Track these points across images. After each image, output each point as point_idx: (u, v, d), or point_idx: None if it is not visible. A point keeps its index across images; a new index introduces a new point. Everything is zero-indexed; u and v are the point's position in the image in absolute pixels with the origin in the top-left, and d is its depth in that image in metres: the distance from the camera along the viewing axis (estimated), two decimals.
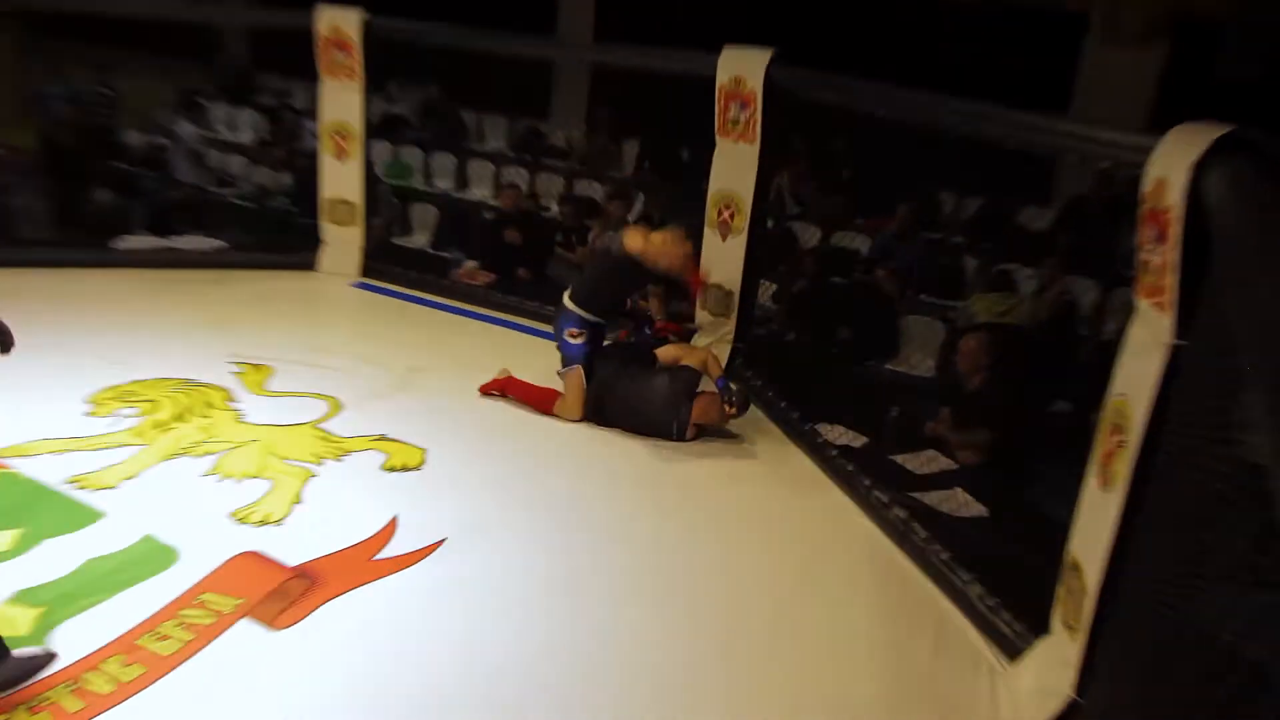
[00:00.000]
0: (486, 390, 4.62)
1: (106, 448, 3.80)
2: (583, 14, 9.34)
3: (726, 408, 4.32)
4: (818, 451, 4.31)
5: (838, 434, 4.37)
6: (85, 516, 3.35)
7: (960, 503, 3.80)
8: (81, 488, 3.51)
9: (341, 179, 6.15)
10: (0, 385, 4.17)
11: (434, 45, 6.00)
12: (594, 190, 8.47)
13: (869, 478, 3.96)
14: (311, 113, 9.43)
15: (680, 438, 4.29)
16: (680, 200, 7.98)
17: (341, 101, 6.03)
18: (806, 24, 7.47)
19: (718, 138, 5.04)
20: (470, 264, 6.40)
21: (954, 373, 4.54)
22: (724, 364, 5.09)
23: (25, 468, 3.59)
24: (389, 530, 3.47)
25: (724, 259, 5.08)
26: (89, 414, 4.05)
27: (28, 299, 5.22)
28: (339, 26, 5.85)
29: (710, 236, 5.13)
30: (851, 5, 7.72)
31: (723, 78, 4.89)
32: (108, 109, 9.30)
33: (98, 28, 8.80)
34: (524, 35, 6.36)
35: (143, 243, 6.23)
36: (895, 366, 5.91)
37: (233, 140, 9.88)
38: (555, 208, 7.74)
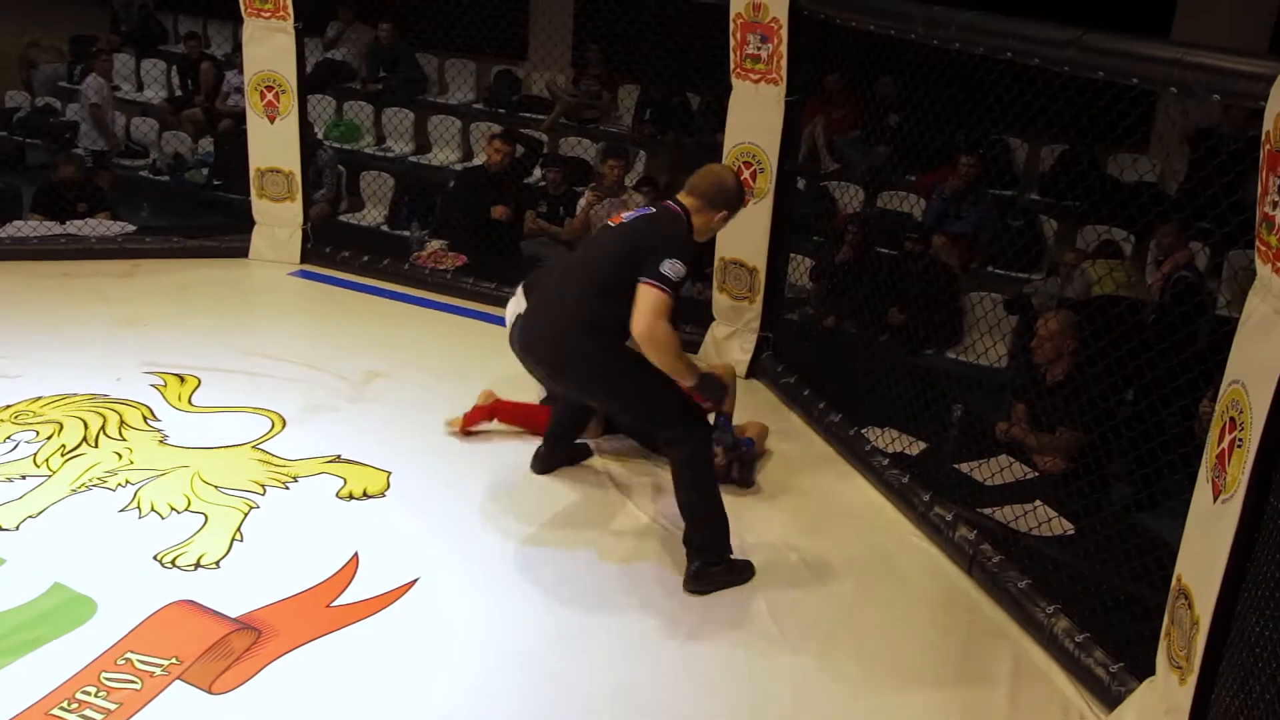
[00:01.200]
0: (470, 426, 4.45)
1: (3, 480, 3.87)
2: None
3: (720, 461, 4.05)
4: (865, 461, 4.38)
5: (889, 439, 4.43)
6: None
7: (1041, 519, 3.86)
8: None
9: (274, 144, 6.22)
10: None
11: None
12: (584, 149, 8.56)
13: (928, 491, 4.02)
14: (234, 62, 9.56)
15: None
16: (690, 157, 8.07)
17: (269, 46, 6.11)
18: None
19: (734, 79, 5.11)
20: (435, 244, 6.47)
21: (1031, 361, 4.60)
22: (750, 352, 5.17)
23: None
24: (349, 571, 3.53)
25: (745, 229, 5.14)
26: None
27: None
28: None
29: None
30: None
31: (738, 5, 4.96)
32: None
33: None
34: None
35: (33, 229, 6.30)
36: (958, 355, 5.98)
37: (139, 100, 9.96)
38: (537, 171, 7.83)
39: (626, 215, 3.73)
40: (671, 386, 3.54)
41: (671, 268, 3.36)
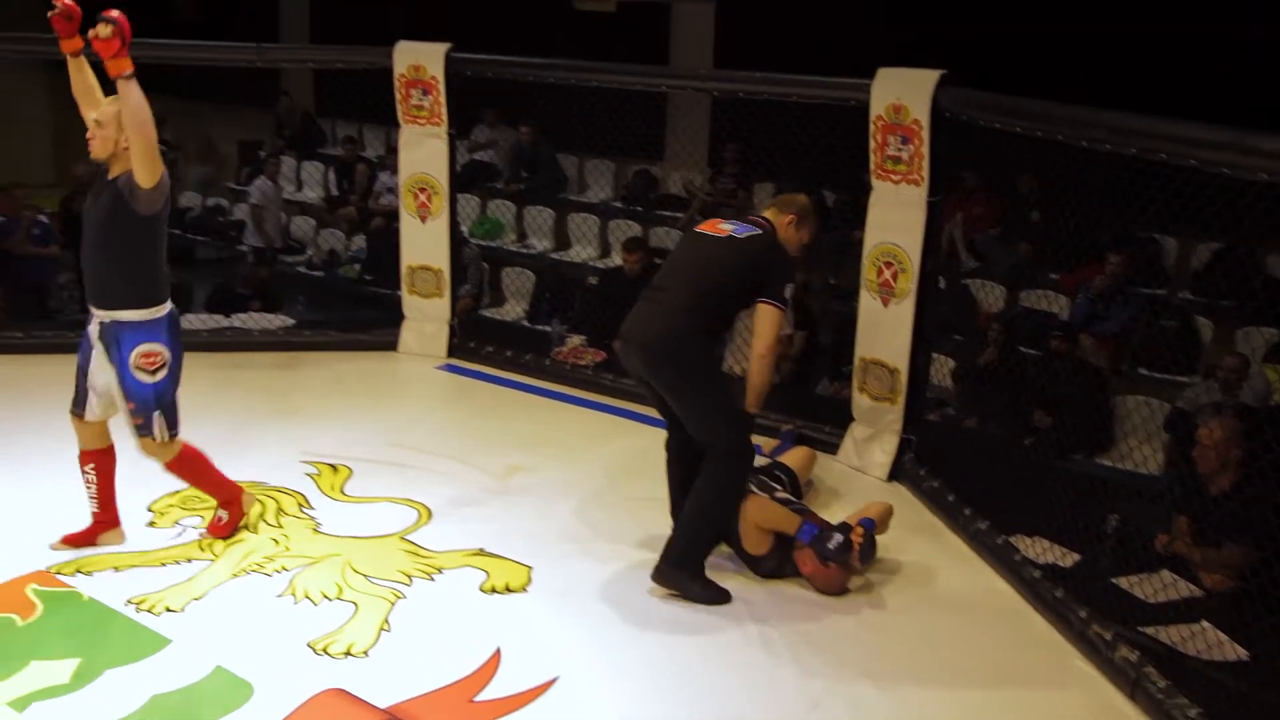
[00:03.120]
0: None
1: (170, 563, 4.08)
2: (700, 39, 9.70)
3: (815, 561, 4.08)
4: (1015, 571, 4.23)
5: (1040, 549, 4.28)
6: (150, 643, 3.59)
7: (1210, 642, 3.66)
8: (145, 610, 3.77)
9: (425, 242, 6.51)
10: (54, 491, 4.56)
11: (526, 81, 6.36)
12: None
13: (1085, 607, 3.86)
14: (386, 163, 10.08)
15: (754, 569, 4.24)
16: (824, 255, 8.09)
17: (424, 151, 6.43)
18: (972, 40, 7.56)
19: (874, 180, 5.14)
20: (575, 340, 6.62)
21: (1192, 470, 4.41)
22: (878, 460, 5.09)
23: (85, 586, 3.89)
24: (491, 666, 3.58)
25: (886, 329, 5.12)
26: (150, 524, 4.37)
27: (66, 387, 5.68)
28: (421, 64, 6.27)
29: (868, 302, 5.19)
30: (1029, 15, 7.77)
31: (879, 106, 5.01)
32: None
33: (146, 74, 9.67)
34: (634, 65, 6.66)
35: (203, 322, 6.70)
36: (1110, 461, 5.77)
37: (298, 199, 10.58)
38: None
39: (732, 228, 4.10)
40: (732, 401, 3.98)
41: (788, 290, 3.97)
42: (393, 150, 10.20)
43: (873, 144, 5.08)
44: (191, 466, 4.18)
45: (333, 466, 4.95)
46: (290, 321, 6.93)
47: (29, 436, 5.10)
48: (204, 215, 10.41)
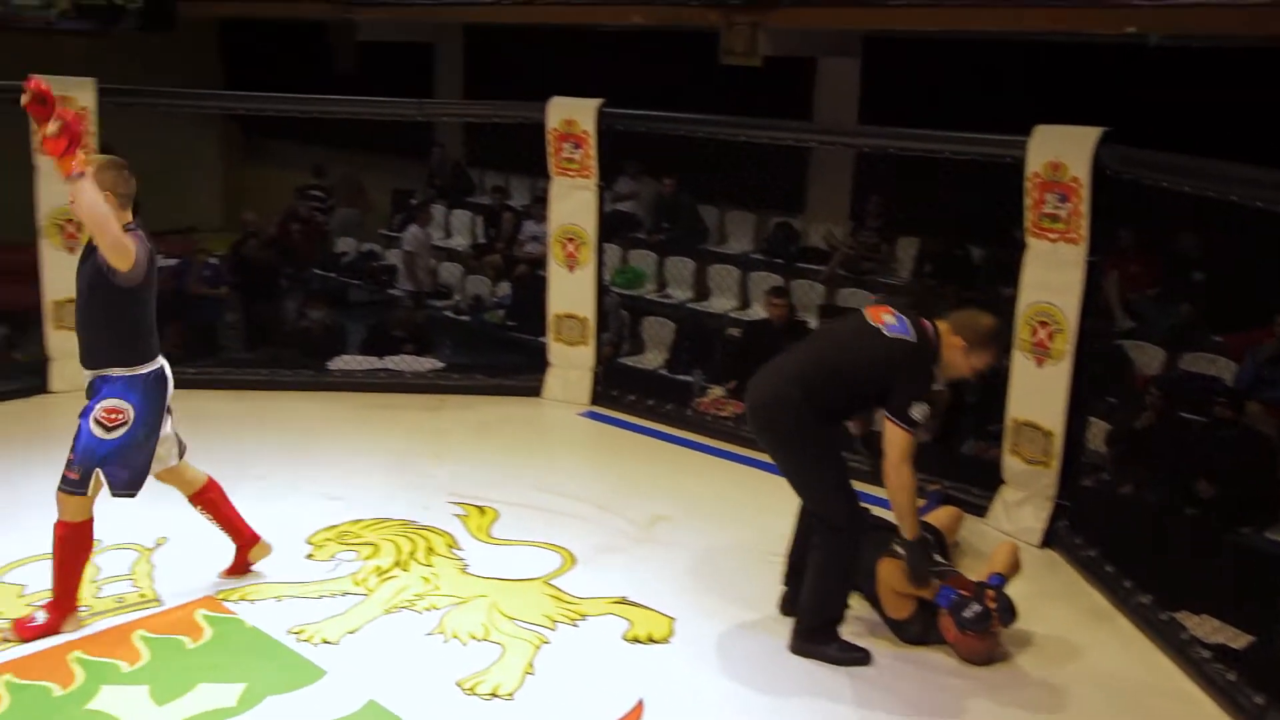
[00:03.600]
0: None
1: (327, 596, 4.22)
2: (845, 93, 9.71)
3: (956, 629, 3.95)
4: (1181, 651, 4.03)
5: (1209, 628, 4.07)
6: (307, 673, 3.73)
7: None
8: (303, 640, 3.91)
9: (572, 291, 6.64)
10: None
11: (673, 134, 6.47)
12: (859, 301, 8.60)
13: (1261, 693, 3.64)
14: (531, 212, 10.35)
15: (899, 634, 4.13)
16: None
17: (573, 202, 6.58)
18: (1118, 98, 7.37)
19: (1029, 238, 5.03)
20: (716, 391, 6.64)
21: None
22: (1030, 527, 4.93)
23: (248, 614, 4.06)
24: (634, 716, 3.59)
25: (1041, 390, 4.98)
26: (308, 556, 4.54)
27: (238, 423, 5.99)
28: (573, 119, 6.44)
29: (1022, 362, 5.06)
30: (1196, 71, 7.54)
31: (1036, 163, 4.92)
32: (322, 213, 10.61)
33: (309, 125, 10.21)
34: (783, 121, 6.71)
35: (359, 363, 6.97)
36: None
37: (446, 246, 10.94)
38: (814, 321, 7.94)
39: (890, 321, 3.84)
40: (836, 473, 3.86)
41: (921, 411, 3.71)
42: (538, 200, 10.51)
43: (1028, 201, 4.99)
44: (75, 546, 3.87)
45: (480, 508, 5.06)
46: (440, 365, 7.15)
47: (203, 465, 5.37)
48: (357, 260, 10.85)
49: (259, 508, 4.90)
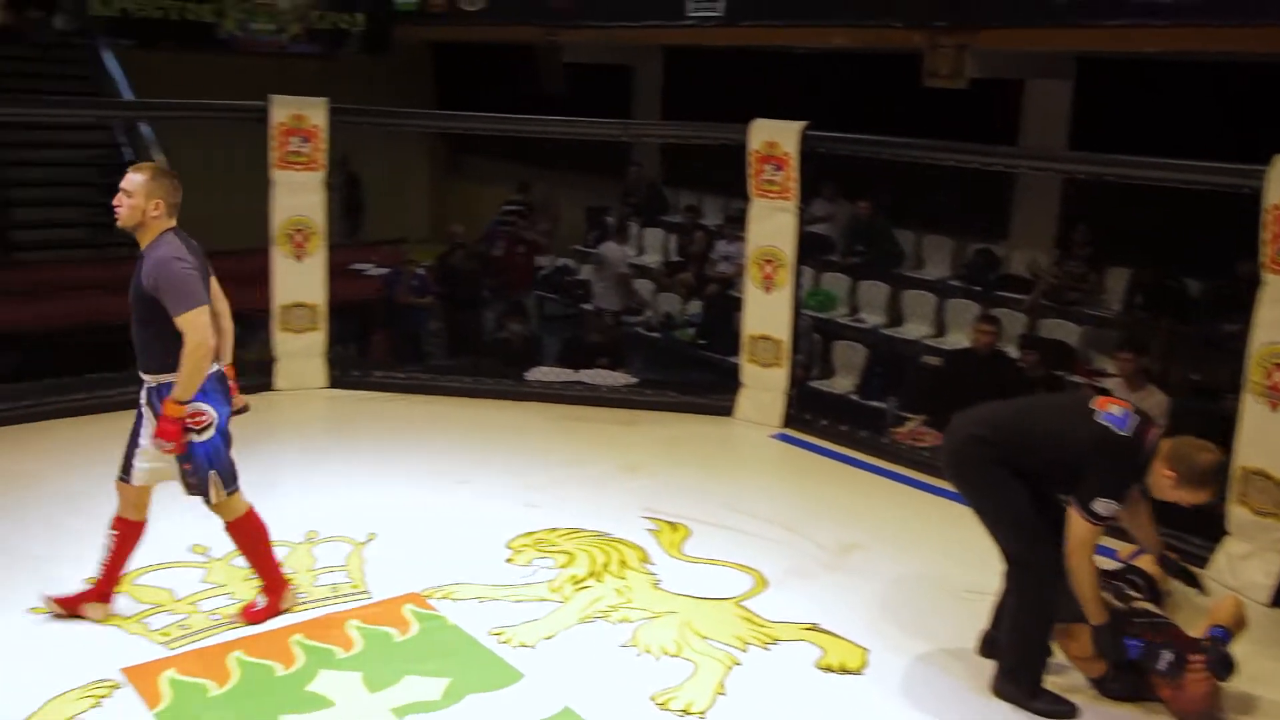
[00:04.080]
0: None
1: (525, 601, 4.35)
2: (1054, 116, 9.36)
3: (1162, 684, 3.73)
4: None
5: None
6: (506, 675, 3.84)
7: None
8: (502, 642, 4.04)
9: (768, 313, 6.63)
10: (426, 520, 5.01)
11: (876, 158, 6.38)
12: (1065, 332, 8.25)
13: None
14: (723, 232, 10.41)
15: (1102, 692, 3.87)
16: (1187, 348, 7.50)
17: (772, 224, 6.58)
18: None
19: (1267, 274, 4.72)
20: (914, 420, 6.49)
21: None
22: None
23: (450, 612, 4.23)
24: None
25: (1273, 439, 4.66)
26: (508, 560, 4.69)
27: (443, 429, 6.25)
28: (775, 141, 6.45)
29: (1254, 406, 4.74)
30: None
31: (1278, 194, 4.62)
32: (525, 228, 10.98)
33: (510, 143, 10.59)
34: (992, 146, 6.52)
35: (556, 375, 7.16)
36: None
37: (639, 263, 11.12)
38: (1015, 352, 7.66)
39: (1112, 412, 3.62)
40: (1023, 511, 3.69)
41: (1106, 508, 3.53)
42: (731, 219, 10.59)
43: (1266, 235, 4.69)
44: (251, 536, 4.07)
45: (672, 525, 5.10)
46: (633, 380, 7.26)
47: (409, 467, 5.65)
48: (553, 274, 11.17)
49: (463, 511, 5.14)
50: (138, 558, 4.40)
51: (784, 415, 6.58)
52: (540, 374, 7.22)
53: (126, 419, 6.08)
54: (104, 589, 4.06)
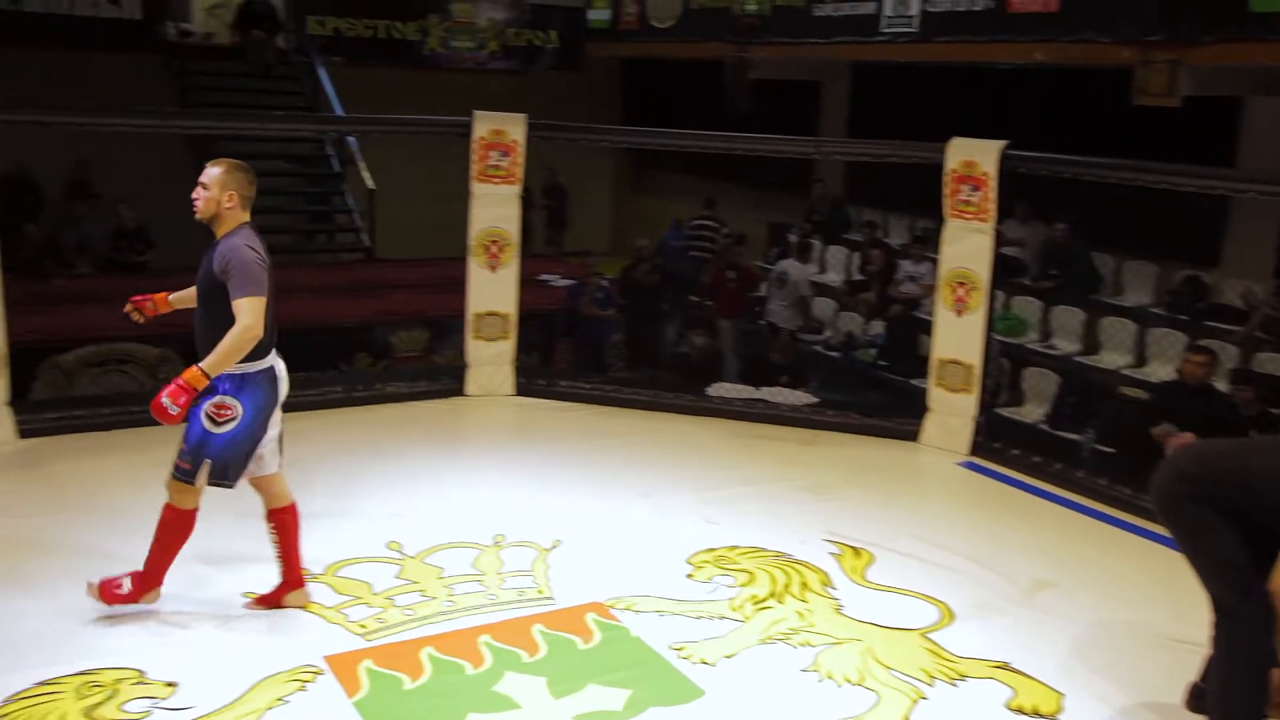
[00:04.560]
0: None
1: (705, 617, 4.34)
2: (1275, 139, 8.74)
3: None
4: None
5: None
6: (687, 691, 3.85)
7: None
8: (683, 657, 4.05)
9: (958, 337, 6.44)
10: (608, 530, 5.08)
11: (1077, 180, 6.11)
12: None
13: None
14: (908, 251, 10.18)
15: None
16: None
17: (967, 245, 6.38)
18: None
19: None
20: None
21: None
22: None
23: (632, 624, 4.27)
24: None
25: None
26: (688, 576, 4.70)
27: (625, 441, 6.32)
28: (974, 161, 6.26)
29: None
30: None
31: None
32: (710, 243, 11.01)
33: (693, 158, 10.65)
34: (1214, 169, 6.15)
35: (737, 391, 7.15)
36: None
37: (819, 281, 11.00)
38: (1227, 387, 7.19)
39: None
40: (1241, 558, 3.44)
41: None
42: (917, 239, 10.36)
43: None
44: (173, 530, 4.01)
45: (855, 550, 5.01)
46: (813, 399, 7.18)
47: (591, 478, 5.74)
48: None
49: (644, 524, 5.18)
50: (337, 551, 4.67)
51: (972, 443, 6.36)
52: (721, 390, 7.22)
53: (327, 417, 6.46)
54: (291, 577, 4.23)
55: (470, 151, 6.81)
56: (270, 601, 4.24)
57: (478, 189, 6.85)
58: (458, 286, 7.05)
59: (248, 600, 4.26)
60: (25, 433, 5.61)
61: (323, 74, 12.32)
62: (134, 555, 4.10)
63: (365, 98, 11.77)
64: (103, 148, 9.61)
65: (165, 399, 3.73)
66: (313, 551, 4.62)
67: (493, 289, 6.94)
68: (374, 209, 11.49)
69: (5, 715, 3.46)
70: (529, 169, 6.85)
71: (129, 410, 6.16)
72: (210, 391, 3.87)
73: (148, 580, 4.07)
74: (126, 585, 4.07)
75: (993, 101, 10.42)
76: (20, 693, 3.57)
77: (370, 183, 11.39)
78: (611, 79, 15.34)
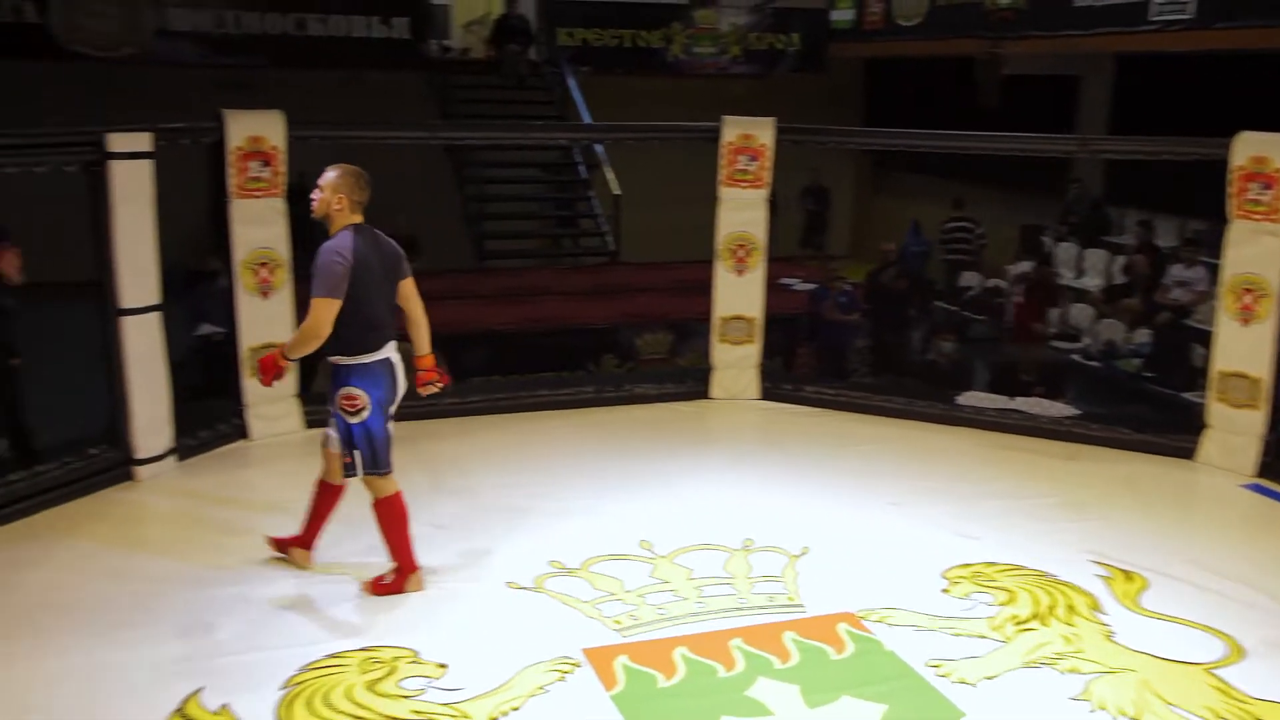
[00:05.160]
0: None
1: (964, 635, 4.18)
2: None
3: None
4: None
5: None
6: (946, 711, 3.71)
7: None
8: (941, 675, 3.90)
9: (1243, 347, 5.91)
10: (857, 538, 4.97)
11: None
12: None
13: None
14: (1179, 255, 9.46)
15: None
16: None
17: (1256, 249, 5.85)
18: None
19: None
20: None
21: None
22: None
23: (886, 637, 4.15)
24: None
25: None
26: (944, 590, 4.53)
27: (872, 447, 6.18)
28: (1266, 156, 5.74)
29: None
30: None
31: None
32: (966, 245, 10.63)
33: (937, 159, 10.27)
34: None
35: (990, 401, 6.84)
36: None
37: (1076, 286, 10.40)
38: None
39: None
40: None
41: None
42: (1189, 242, 9.61)
43: None
44: (391, 517, 4.30)
45: (1126, 573, 4.68)
46: (1074, 411, 6.77)
47: (842, 485, 5.63)
48: (981, 295, 10.71)
49: (894, 534, 5.05)
50: (592, 546, 4.79)
51: (1259, 463, 5.83)
52: (973, 399, 6.93)
53: (578, 416, 6.66)
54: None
55: (718, 156, 6.84)
56: (280, 543, 4.57)
57: (725, 193, 6.88)
58: (700, 289, 7.10)
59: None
60: (311, 423, 6.06)
61: (571, 83, 12.71)
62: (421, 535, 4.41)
63: (610, 104, 12.07)
64: (366, 157, 10.29)
65: (260, 372, 4.21)
66: (569, 545, 4.79)
67: (739, 293, 6.95)
68: (619, 213, 11.75)
69: (301, 681, 3.75)
70: (785, 172, 6.81)
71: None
72: (338, 385, 4.17)
73: (403, 568, 4.38)
74: (390, 577, 4.39)
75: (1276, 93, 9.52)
76: (313, 662, 3.86)
77: (616, 188, 11.66)
78: (853, 79, 15.07)
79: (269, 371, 4.18)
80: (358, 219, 4.19)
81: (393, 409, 4.28)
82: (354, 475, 4.24)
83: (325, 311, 4.01)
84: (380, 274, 4.18)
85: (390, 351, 4.23)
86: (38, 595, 4.33)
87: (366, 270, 4.09)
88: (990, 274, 11.15)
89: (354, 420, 4.15)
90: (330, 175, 4.19)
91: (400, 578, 4.37)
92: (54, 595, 4.33)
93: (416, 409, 6.43)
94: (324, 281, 4.03)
